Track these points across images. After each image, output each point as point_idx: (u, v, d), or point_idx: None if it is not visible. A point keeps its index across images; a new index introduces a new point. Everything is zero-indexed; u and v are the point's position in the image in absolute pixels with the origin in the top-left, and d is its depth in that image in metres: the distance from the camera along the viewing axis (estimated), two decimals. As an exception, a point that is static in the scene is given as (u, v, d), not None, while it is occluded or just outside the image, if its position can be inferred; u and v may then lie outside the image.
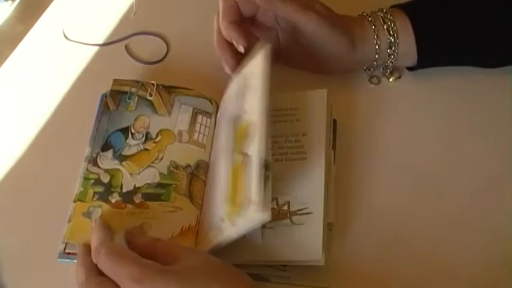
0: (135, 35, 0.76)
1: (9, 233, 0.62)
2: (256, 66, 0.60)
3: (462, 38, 0.67)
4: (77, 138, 0.67)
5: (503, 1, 0.67)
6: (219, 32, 0.66)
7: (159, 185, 0.62)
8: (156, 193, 0.61)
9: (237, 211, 0.54)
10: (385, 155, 0.66)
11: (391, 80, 0.71)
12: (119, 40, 0.76)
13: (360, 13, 0.69)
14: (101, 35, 0.76)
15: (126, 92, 0.67)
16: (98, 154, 0.63)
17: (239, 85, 0.63)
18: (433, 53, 0.68)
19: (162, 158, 0.64)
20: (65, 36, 0.76)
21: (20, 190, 0.65)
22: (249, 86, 0.61)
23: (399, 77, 0.71)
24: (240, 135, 0.59)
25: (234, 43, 0.64)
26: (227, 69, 0.67)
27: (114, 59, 0.74)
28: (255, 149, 0.55)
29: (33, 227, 0.62)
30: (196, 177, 0.63)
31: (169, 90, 0.68)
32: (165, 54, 0.74)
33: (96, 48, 0.75)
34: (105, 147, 0.63)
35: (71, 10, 0.79)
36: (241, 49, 0.64)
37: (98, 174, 0.62)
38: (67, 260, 0.59)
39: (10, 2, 0.79)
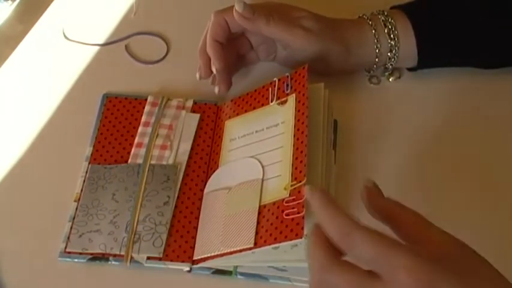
0: (135, 35, 0.76)
1: (10, 233, 0.62)
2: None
3: (462, 39, 0.67)
4: (77, 138, 0.67)
5: (504, 2, 0.67)
6: (205, 40, 0.67)
7: None
8: None
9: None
10: (385, 155, 0.66)
11: (391, 80, 0.71)
12: (119, 40, 0.76)
13: (360, 15, 0.69)
14: (101, 35, 0.76)
15: None
16: None
17: None
18: (434, 55, 0.68)
19: None
20: (65, 36, 0.76)
21: (20, 190, 0.65)
22: None
23: (399, 77, 0.71)
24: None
25: (211, 61, 0.66)
26: (197, 76, 0.68)
27: (114, 59, 0.74)
28: None
29: (33, 227, 0.62)
30: None
31: None
32: (165, 54, 0.74)
33: (96, 48, 0.75)
34: None
35: (71, 10, 0.79)
36: (213, 69, 0.66)
37: None
38: (67, 260, 0.59)
39: (10, 2, 0.79)
